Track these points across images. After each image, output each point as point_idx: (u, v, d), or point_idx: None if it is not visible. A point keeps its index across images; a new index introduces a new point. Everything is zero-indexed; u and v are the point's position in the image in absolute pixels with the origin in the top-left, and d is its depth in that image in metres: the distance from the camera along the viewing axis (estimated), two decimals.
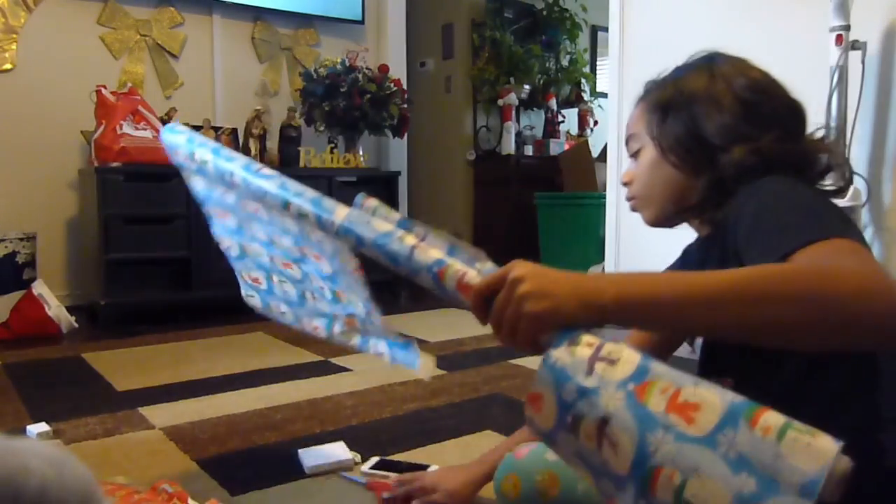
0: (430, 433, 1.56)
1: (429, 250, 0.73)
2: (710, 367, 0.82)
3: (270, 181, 0.95)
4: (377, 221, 0.79)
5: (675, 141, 0.86)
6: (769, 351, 0.67)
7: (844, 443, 0.53)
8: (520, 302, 0.61)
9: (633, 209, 0.97)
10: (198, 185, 1.19)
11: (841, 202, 2.17)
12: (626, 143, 0.96)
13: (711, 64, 0.89)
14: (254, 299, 1.32)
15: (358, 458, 1.39)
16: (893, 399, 0.71)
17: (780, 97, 0.85)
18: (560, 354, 0.58)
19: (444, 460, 1.38)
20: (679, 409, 0.51)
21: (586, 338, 0.59)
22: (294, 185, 0.94)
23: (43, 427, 1.55)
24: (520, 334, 0.62)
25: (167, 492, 1.14)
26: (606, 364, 0.56)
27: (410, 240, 0.75)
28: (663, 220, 0.94)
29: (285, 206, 0.93)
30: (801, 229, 0.67)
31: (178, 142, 1.11)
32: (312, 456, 1.39)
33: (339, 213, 0.85)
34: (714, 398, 0.51)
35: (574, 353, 0.58)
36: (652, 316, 0.61)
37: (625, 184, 0.96)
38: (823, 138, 0.85)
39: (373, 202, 0.82)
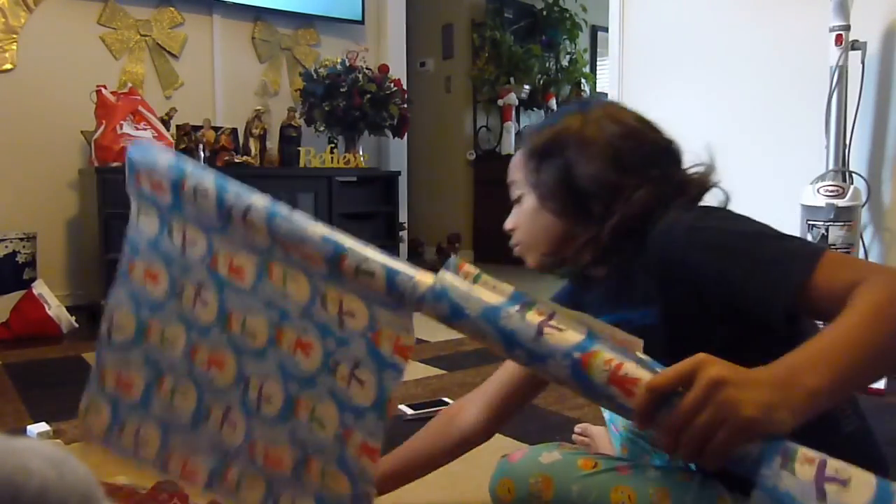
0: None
1: (562, 333, 0.61)
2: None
3: (310, 227, 0.74)
4: (483, 291, 0.66)
5: (550, 190, 0.87)
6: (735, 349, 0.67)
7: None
8: (727, 408, 0.53)
9: (518, 255, 0.98)
10: (144, 227, 0.88)
11: (841, 202, 2.17)
12: (509, 189, 0.96)
13: (585, 110, 0.90)
14: (96, 416, 0.91)
15: None
16: None
17: (651, 141, 0.87)
18: (775, 474, 0.50)
19: None
20: None
21: (802, 452, 0.51)
22: (344, 238, 0.73)
23: (43, 427, 1.55)
24: (715, 445, 0.54)
25: (167, 492, 1.14)
26: (839, 486, 0.49)
27: (535, 317, 0.63)
28: (547, 266, 0.95)
29: (337, 258, 0.72)
30: (797, 254, 0.68)
31: (159, 162, 0.84)
32: None
33: (423, 277, 0.70)
34: None
35: (795, 473, 0.50)
36: (838, 395, 0.59)
37: (508, 230, 0.97)
38: (701, 171, 0.89)
39: (472, 268, 0.69)
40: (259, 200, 0.77)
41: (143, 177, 0.86)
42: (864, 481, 0.49)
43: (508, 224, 0.96)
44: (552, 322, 0.62)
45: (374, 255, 0.72)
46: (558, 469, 0.82)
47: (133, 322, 0.89)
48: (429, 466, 1.15)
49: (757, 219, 0.77)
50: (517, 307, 0.64)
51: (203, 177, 0.81)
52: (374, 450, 0.75)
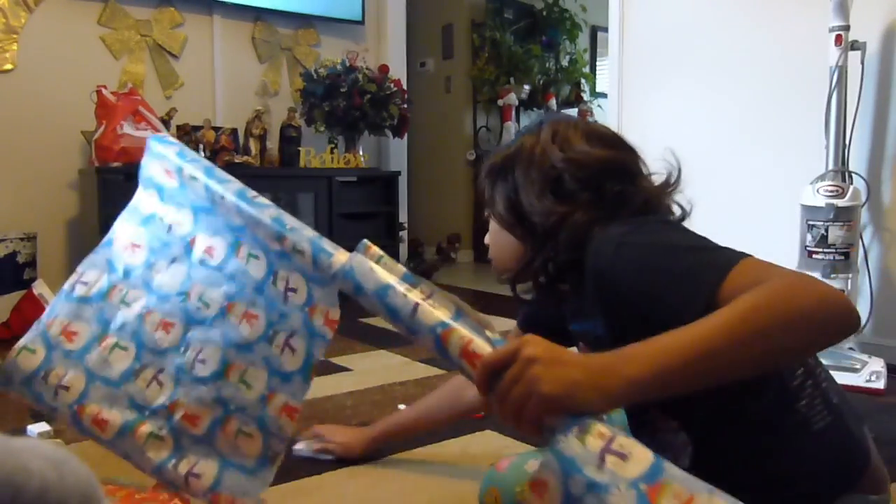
0: (431, 433, 1.56)
1: (434, 310, 0.70)
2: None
3: (265, 210, 0.87)
4: (380, 271, 0.75)
5: (500, 211, 0.89)
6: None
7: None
8: (532, 383, 0.59)
9: (493, 271, 0.98)
10: (141, 206, 1.04)
11: (840, 202, 2.17)
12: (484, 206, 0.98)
13: (538, 130, 0.90)
14: (30, 355, 0.96)
15: None
16: (790, 371, 0.76)
17: (597, 161, 0.85)
18: (570, 443, 0.56)
19: (444, 460, 1.38)
20: None
21: (598, 427, 0.56)
22: (291, 220, 0.87)
23: (43, 427, 1.55)
24: (526, 415, 0.60)
25: (167, 492, 1.14)
26: (618, 459, 0.54)
27: (415, 296, 0.71)
28: (513, 281, 0.93)
29: (280, 238, 0.85)
30: (709, 267, 0.68)
31: (167, 153, 0.98)
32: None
33: (340, 256, 0.81)
34: None
35: (585, 443, 0.55)
36: (664, 390, 0.61)
37: (487, 245, 0.98)
38: (654, 183, 0.89)
39: (377, 251, 0.77)
40: (232, 186, 0.90)
41: (153, 164, 1.00)
42: (642, 457, 0.53)
43: (486, 239, 0.98)
44: (429, 301, 0.70)
45: (307, 235, 0.84)
46: None
47: (101, 283, 1.00)
48: (431, 427, 1.42)
49: (691, 229, 0.78)
50: (405, 287, 0.72)
51: (196, 165, 0.94)
52: (294, 409, 0.86)
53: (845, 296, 0.63)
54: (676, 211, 0.90)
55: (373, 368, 2.14)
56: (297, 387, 0.87)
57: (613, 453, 0.54)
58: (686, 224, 0.85)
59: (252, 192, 0.90)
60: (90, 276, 1.02)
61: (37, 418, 1.63)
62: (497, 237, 0.93)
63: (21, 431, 1.55)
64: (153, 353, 0.93)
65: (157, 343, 0.93)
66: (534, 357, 0.60)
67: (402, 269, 0.75)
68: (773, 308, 0.61)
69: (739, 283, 0.65)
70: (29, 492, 0.41)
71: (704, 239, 0.75)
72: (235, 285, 0.91)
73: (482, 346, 0.66)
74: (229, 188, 0.90)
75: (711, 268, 0.68)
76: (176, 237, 0.98)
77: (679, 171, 0.89)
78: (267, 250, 0.89)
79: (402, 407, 1.71)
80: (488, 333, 0.68)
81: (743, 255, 0.68)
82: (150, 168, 1.01)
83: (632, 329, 0.65)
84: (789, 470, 0.75)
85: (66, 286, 1.01)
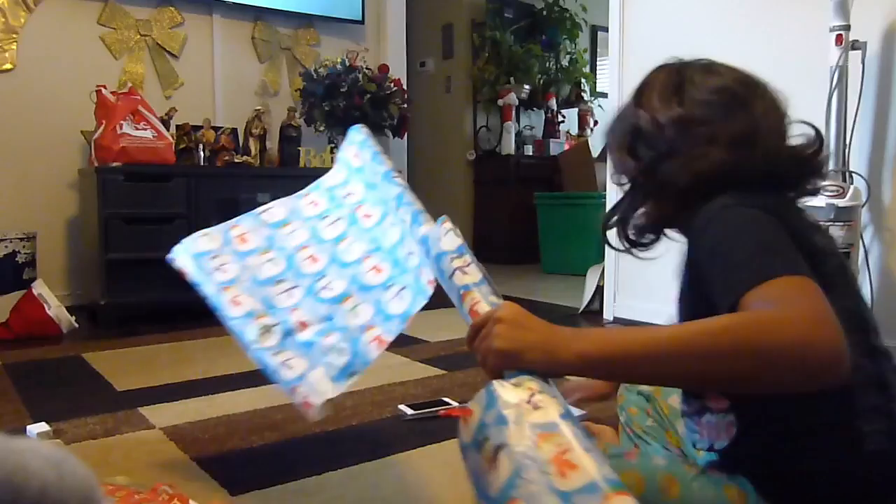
0: (431, 433, 1.56)
1: (465, 276, 0.85)
2: None
3: (394, 189, 1.17)
4: (444, 241, 0.90)
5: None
6: None
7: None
8: (493, 338, 0.70)
9: None
10: (329, 179, 1.38)
11: (841, 202, 2.17)
12: None
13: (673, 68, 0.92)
14: (209, 240, 1.36)
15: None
16: (864, 388, 0.73)
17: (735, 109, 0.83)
18: (501, 387, 0.66)
19: (444, 460, 1.38)
20: (560, 463, 0.58)
21: (529, 382, 0.66)
22: (410, 196, 1.14)
23: (43, 427, 1.55)
24: (488, 365, 0.71)
25: (167, 492, 1.14)
26: (531, 408, 0.63)
27: (458, 262, 0.87)
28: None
29: (401, 203, 1.13)
30: (752, 269, 0.68)
31: (356, 140, 1.35)
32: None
33: (425, 227, 1.03)
34: (591, 467, 0.57)
35: (512, 390, 0.65)
36: (607, 373, 0.71)
37: None
38: (805, 147, 0.84)
39: (448, 226, 0.93)
40: (382, 168, 1.24)
41: (350, 148, 1.37)
42: (550, 413, 0.63)
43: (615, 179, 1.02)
44: (466, 268, 0.86)
45: (414, 209, 1.09)
46: (681, 472, 0.80)
47: (280, 216, 1.35)
48: None
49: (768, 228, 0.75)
50: (454, 256, 0.88)
51: (370, 150, 1.31)
52: (384, 341, 1.09)
53: (836, 349, 0.60)
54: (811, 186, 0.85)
55: (373, 368, 2.12)
56: (394, 326, 1.09)
57: (531, 403, 0.64)
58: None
59: (395, 172, 1.21)
60: (276, 211, 1.36)
61: (36, 418, 1.63)
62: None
63: (21, 431, 1.55)
64: (295, 273, 1.22)
65: (301, 268, 1.23)
66: (500, 318, 0.70)
67: (459, 242, 0.90)
68: (726, 340, 0.62)
69: (761, 296, 0.65)
70: (29, 492, 0.41)
71: (779, 239, 0.71)
72: (375, 244, 1.19)
73: (483, 307, 0.79)
74: (379, 171, 1.23)
75: (753, 272, 0.67)
76: (347, 204, 1.30)
77: (819, 143, 0.85)
78: (402, 222, 1.12)
79: (402, 407, 1.71)
80: (493, 298, 0.81)
81: (790, 271, 0.66)
82: (346, 151, 1.39)
83: (695, 288, 0.73)
84: (820, 477, 0.74)
85: (257, 210, 1.36)
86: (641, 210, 0.90)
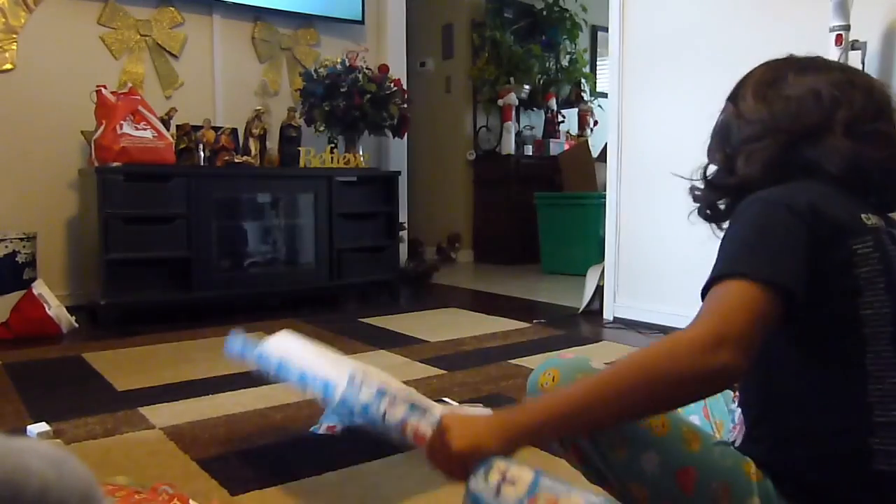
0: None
1: (395, 411, 0.90)
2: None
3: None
4: (363, 394, 0.96)
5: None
6: (764, 354, 0.71)
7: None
8: (447, 445, 0.75)
9: None
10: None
11: None
12: None
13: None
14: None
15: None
16: (884, 403, 0.72)
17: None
18: (477, 483, 0.72)
19: None
20: None
21: (498, 464, 0.72)
22: (313, 372, 1.11)
23: (43, 427, 1.55)
24: (454, 470, 0.76)
25: (167, 492, 1.14)
26: (510, 485, 0.70)
27: (384, 405, 0.92)
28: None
29: (305, 382, 1.12)
30: (722, 261, 0.74)
31: (238, 352, 1.27)
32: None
33: (339, 390, 1.02)
34: (581, 500, 0.68)
35: (487, 481, 0.72)
36: (556, 431, 0.77)
37: None
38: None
39: (359, 376, 0.98)
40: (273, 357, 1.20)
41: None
42: (525, 479, 0.70)
43: None
44: (391, 406, 0.91)
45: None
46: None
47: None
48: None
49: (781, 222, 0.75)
50: (376, 402, 0.92)
51: (251, 351, 1.24)
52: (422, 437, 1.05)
53: (721, 372, 0.67)
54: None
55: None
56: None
57: (507, 482, 0.71)
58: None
59: (278, 359, 1.18)
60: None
61: (36, 418, 1.63)
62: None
63: (21, 431, 1.55)
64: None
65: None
66: (446, 426, 0.76)
67: (375, 387, 0.94)
68: (624, 384, 0.71)
69: (707, 297, 0.73)
70: (29, 491, 0.41)
71: (770, 238, 0.73)
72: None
73: (426, 429, 0.86)
74: (273, 366, 1.19)
75: (721, 264, 0.74)
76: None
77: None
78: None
79: None
80: (430, 418, 0.87)
81: (749, 272, 0.70)
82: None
83: None
84: (826, 489, 0.74)
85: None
86: (722, 201, 0.92)
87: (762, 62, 0.91)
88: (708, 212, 0.93)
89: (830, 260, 0.72)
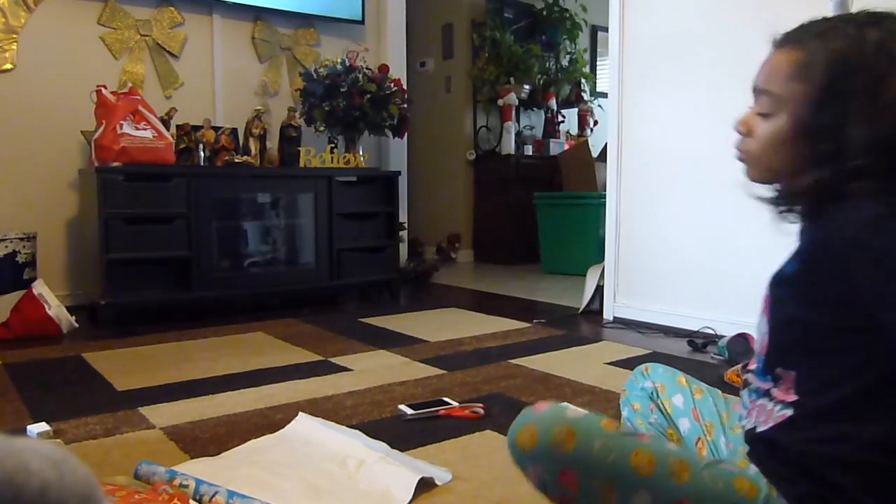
0: (431, 433, 1.56)
1: None
2: (775, 362, 0.83)
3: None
4: None
5: (817, 132, 0.78)
6: (830, 356, 0.73)
7: None
8: None
9: (739, 159, 0.90)
10: None
11: None
12: (756, 94, 0.88)
13: (884, 25, 0.76)
14: None
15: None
16: None
17: None
18: None
19: (444, 460, 1.38)
20: None
21: None
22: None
23: (43, 427, 1.55)
24: None
25: (167, 492, 1.14)
26: None
27: None
28: (766, 183, 0.90)
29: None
30: None
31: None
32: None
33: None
34: None
35: None
36: None
37: (739, 131, 0.89)
38: None
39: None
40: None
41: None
42: None
43: (742, 126, 0.88)
44: None
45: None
46: (583, 424, 0.82)
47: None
48: None
49: None
50: None
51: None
52: None
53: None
54: None
55: (373, 368, 2.14)
56: None
57: None
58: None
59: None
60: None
61: (37, 418, 1.63)
62: (778, 144, 0.83)
63: (21, 431, 1.55)
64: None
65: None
66: None
67: None
68: None
69: None
70: (29, 491, 0.41)
71: None
72: None
73: None
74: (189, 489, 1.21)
75: None
76: None
77: None
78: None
79: (402, 407, 1.71)
80: None
81: None
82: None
83: (827, 298, 0.73)
84: (850, 491, 0.73)
85: None
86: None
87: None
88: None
89: None
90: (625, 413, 1.17)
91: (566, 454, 0.80)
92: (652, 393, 1.13)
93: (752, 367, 0.88)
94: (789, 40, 0.88)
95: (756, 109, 0.87)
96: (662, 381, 1.13)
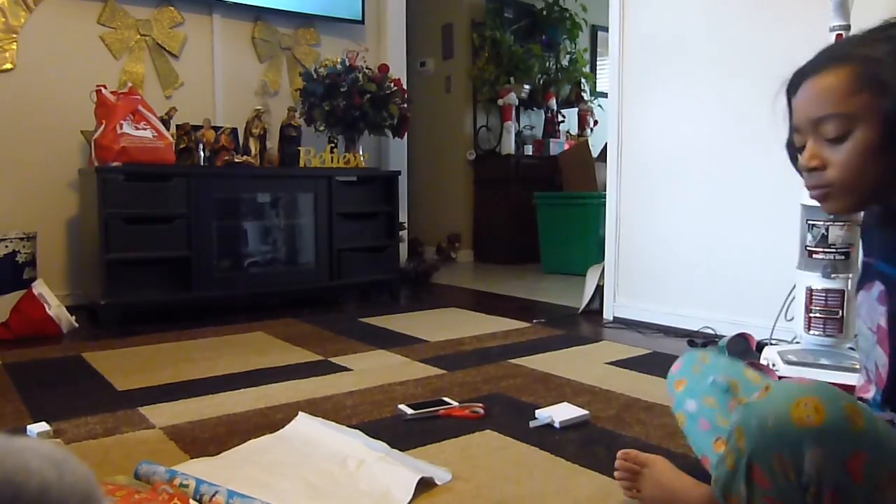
0: (430, 433, 1.56)
1: None
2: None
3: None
4: None
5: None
6: None
7: None
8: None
9: (820, 198, 0.84)
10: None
11: None
12: (814, 125, 0.84)
13: None
14: None
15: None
16: None
17: None
18: None
19: (444, 460, 1.38)
20: None
21: None
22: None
23: (43, 426, 1.55)
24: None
25: (167, 492, 1.14)
26: None
27: None
28: (855, 211, 0.85)
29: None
30: None
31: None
32: (556, 414, 1.61)
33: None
34: None
35: None
36: None
37: (812, 169, 0.83)
38: None
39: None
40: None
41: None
42: None
43: (814, 160, 0.83)
44: None
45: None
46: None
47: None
48: None
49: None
50: None
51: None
52: None
53: None
54: None
55: (373, 368, 2.14)
56: None
57: None
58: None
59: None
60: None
61: (37, 418, 1.63)
62: (870, 159, 0.79)
63: (21, 431, 1.55)
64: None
65: None
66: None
67: None
68: None
69: None
70: (29, 491, 0.41)
71: None
72: None
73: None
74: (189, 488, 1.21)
75: None
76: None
77: None
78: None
79: (402, 407, 1.71)
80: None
81: None
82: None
83: None
84: None
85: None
86: None
87: None
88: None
89: None
90: (692, 407, 1.07)
91: (859, 432, 0.69)
92: (728, 387, 1.04)
93: (866, 395, 0.83)
94: (828, 61, 0.87)
95: (822, 138, 0.83)
96: (734, 377, 1.05)
